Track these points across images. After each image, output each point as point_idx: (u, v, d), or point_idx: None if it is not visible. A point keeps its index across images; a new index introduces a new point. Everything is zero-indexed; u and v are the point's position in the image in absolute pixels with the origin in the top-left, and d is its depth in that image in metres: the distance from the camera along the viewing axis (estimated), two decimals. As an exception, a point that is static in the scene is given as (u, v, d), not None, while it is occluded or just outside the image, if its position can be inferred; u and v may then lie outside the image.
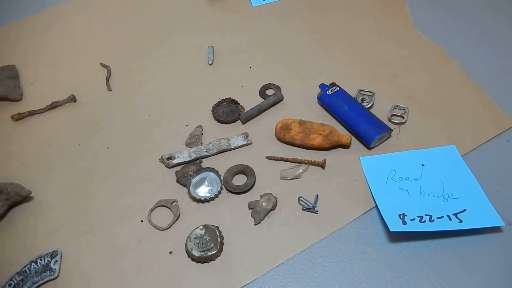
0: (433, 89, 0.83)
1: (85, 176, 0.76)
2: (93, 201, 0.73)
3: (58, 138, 0.82)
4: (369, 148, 0.75)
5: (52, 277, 0.64)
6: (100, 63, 0.94)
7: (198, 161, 0.76)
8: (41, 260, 0.66)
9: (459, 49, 0.89)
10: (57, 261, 0.66)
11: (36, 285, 0.64)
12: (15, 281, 0.64)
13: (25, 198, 0.73)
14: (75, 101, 0.88)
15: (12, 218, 0.72)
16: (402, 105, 0.79)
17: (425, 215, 0.64)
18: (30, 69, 0.96)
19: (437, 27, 0.94)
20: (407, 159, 0.72)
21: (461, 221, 0.63)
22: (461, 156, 0.72)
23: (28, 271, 0.65)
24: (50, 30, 1.04)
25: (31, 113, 0.86)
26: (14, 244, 0.69)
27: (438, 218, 0.63)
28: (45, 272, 0.65)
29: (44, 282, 0.64)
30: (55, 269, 0.65)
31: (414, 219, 0.63)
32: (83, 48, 0.99)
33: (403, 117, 0.77)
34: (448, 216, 0.63)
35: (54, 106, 0.87)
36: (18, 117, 0.85)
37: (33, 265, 0.65)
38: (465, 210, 0.64)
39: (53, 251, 0.67)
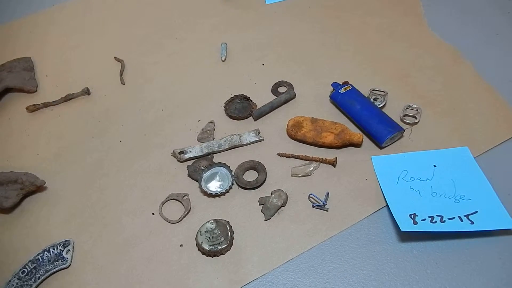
0: (446, 90, 0.82)
1: (97, 168, 0.77)
2: (105, 192, 0.74)
3: (71, 130, 0.83)
4: (380, 147, 0.75)
5: (64, 266, 0.65)
6: (114, 57, 0.95)
7: (209, 156, 0.76)
8: (53, 249, 0.67)
9: (473, 50, 0.88)
10: (69, 250, 0.67)
11: (49, 273, 0.65)
12: (28, 269, 0.65)
13: (39, 188, 0.74)
14: (89, 94, 0.89)
15: (26, 207, 0.73)
16: (415, 105, 0.79)
17: (436, 215, 0.64)
18: (46, 61, 0.97)
19: (451, 27, 0.94)
20: (419, 160, 0.72)
21: (472, 223, 0.63)
22: (474, 157, 0.72)
23: (41, 259, 0.66)
24: (66, 23, 1.05)
25: (46, 105, 0.87)
26: (28, 232, 0.70)
27: (449, 219, 0.63)
28: (57, 261, 0.66)
29: (57, 271, 0.65)
30: (67, 258, 0.66)
31: (425, 219, 0.63)
32: (97, 42, 1.00)
33: (416, 117, 0.77)
34: (459, 217, 0.63)
35: (68, 98, 0.88)
36: (33, 109, 0.87)
37: (46, 254, 0.66)
38: (476, 211, 0.64)
39: (65, 241, 0.68)
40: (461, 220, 0.63)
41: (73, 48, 0.99)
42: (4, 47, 1.01)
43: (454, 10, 0.97)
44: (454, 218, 0.63)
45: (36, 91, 0.91)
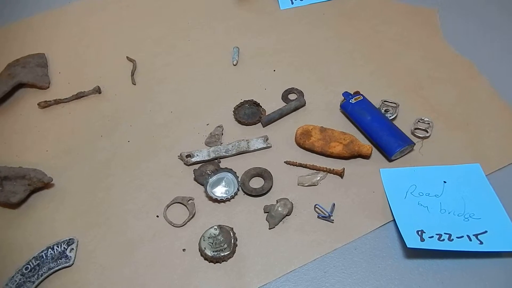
0: (460, 104, 0.81)
1: (105, 167, 0.78)
2: (111, 192, 0.74)
3: (81, 128, 0.84)
4: (389, 160, 0.74)
5: (67, 264, 0.66)
6: (127, 57, 0.96)
7: (216, 161, 0.76)
8: (57, 246, 0.67)
9: (490, 65, 0.86)
10: (73, 249, 0.67)
11: (52, 271, 0.65)
12: (32, 265, 0.65)
13: (46, 185, 0.74)
14: (99, 92, 0.89)
15: (32, 204, 0.74)
16: (427, 119, 0.77)
17: (444, 233, 0.62)
18: (59, 58, 0.98)
19: (467, 40, 0.92)
20: (429, 175, 0.71)
21: (481, 243, 0.61)
22: (486, 175, 0.70)
23: (44, 257, 0.66)
24: (81, 21, 1.06)
25: (57, 102, 0.88)
26: (33, 229, 0.71)
27: (457, 237, 0.62)
28: (61, 259, 0.66)
29: (59, 269, 0.65)
30: (70, 256, 0.66)
31: (432, 237, 0.62)
32: (110, 41, 1.00)
33: (427, 131, 0.76)
34: (468, 236, 0.62)
35: (79, 96, 0.88)
36: (45, 105, 0.87)
37: (50, 251, 0.67)
38: (486, 231, 0.63)
39: (69, 239, 0.68)
40: (470, 240, 0.62)
41: (86, 46, 1.00)
42: (19, 42, 1.02)
43: (471, 22, 0.95)
44: (462, 237, 0.62)
45: (48, 87, 0.92)
